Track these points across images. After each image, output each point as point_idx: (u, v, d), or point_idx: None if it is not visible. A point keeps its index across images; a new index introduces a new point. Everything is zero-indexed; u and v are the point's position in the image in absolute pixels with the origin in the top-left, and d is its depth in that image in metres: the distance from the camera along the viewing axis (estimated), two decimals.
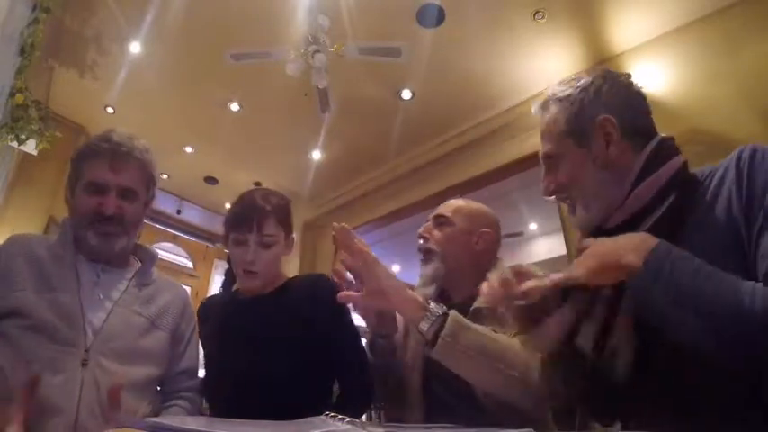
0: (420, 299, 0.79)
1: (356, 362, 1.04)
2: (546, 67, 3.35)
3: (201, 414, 1.09)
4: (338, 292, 0.82)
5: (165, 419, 0.52)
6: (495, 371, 0.75)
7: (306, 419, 0.70)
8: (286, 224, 1.09)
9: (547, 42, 3.13)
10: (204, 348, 1.15)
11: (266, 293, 1.09)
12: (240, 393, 0.97)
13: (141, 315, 0.99)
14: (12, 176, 3.56)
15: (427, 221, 1.20)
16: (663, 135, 0.76)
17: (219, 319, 1.12)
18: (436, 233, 1.15)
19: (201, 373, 1.13)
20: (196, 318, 1.17)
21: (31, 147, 2.92)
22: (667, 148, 0.74)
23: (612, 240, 0.63)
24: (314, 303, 1.03)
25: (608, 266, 0.60)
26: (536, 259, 6.38)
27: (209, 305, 1.22)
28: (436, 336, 0.74)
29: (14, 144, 2.78)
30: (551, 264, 5.63)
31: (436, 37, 3.08)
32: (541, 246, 6.34)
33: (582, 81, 0.80)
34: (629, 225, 0.69)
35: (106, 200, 0.96)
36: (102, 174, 0.97)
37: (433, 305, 0.78)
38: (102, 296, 0.95)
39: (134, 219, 1.02)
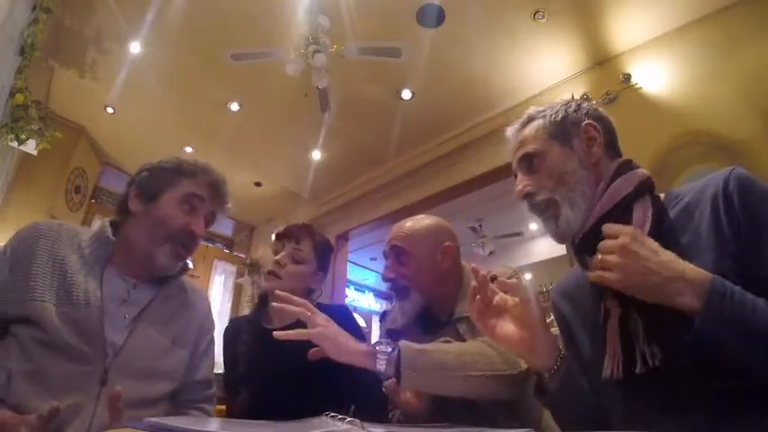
0: (364, 347, 0.81)
1: (369, 383, 1.05)
2: (546, 68, 3.35)
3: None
4: (356, 321, 0.84)
5: (165, 419, 0.51)
6: (464, 379, 0.81)
7: (306, 419, 0.70)
8: (319, 253, 1.32)
9: (547, 42, 3.13)
10: (225, 370, 1.27)
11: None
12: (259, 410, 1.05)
13: (163, 334, 0.96)
14: (12, 176, 3.56)
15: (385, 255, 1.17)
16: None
17: (245, 347, 1.23)
18: (400, 270, 1.12)
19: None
20: (215, 331, 1.18)
21: (31, 147, 2.92)
22: (634, 165, 0.78)
23: (654, 254, 0.60)
24: None
25: (654, 294, 0.60)
26: (536, 259, 6.39)
27: (234, 331, 1.31)
28: (398, 371, 0.78)
29: (14, 144, 2.78)
30: (551, 264, 5.63)
31: (436, 37, 3.08)
32: (541, 246, 6.33)
33: (562, 100, 0.87)
34: (608, 220, 0.70)
35: (197, 219, 0.98)
36: (202, 192, 1.00)
37: (380, 346, 0.81)
38: (127, 316, 0.91)
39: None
